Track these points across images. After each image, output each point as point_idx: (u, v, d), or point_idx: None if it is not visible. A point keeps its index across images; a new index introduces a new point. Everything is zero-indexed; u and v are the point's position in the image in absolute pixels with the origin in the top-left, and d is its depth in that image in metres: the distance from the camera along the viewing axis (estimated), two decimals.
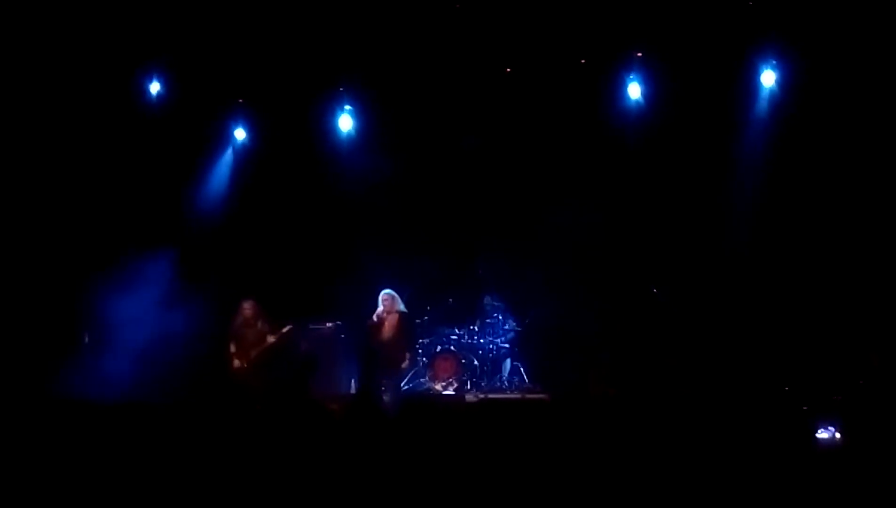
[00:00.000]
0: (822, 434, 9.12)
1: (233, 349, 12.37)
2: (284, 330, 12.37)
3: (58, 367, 12.35)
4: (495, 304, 14.10)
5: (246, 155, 14.45)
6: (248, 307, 12.39)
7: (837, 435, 9.04)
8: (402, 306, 12.50)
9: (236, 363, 12.30)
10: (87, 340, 12.86)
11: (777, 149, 12.66)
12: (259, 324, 12.36)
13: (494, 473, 5.89)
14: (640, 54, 12.98)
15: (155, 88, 13.67)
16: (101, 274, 12.89)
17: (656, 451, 5.69)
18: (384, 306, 12.41)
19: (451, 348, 13.84)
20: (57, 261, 13.21)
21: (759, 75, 12.73)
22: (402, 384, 12.89)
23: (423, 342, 13.94)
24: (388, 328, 12.38)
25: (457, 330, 14.05)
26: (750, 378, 11.84)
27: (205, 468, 6.18)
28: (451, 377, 13.58)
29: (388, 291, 12.48)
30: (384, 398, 11.47)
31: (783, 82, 12.66)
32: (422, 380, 13.72)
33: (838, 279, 12.38)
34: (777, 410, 8.15)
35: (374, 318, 12.39)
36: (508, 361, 13.94)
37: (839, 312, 12.18)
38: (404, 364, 12.57)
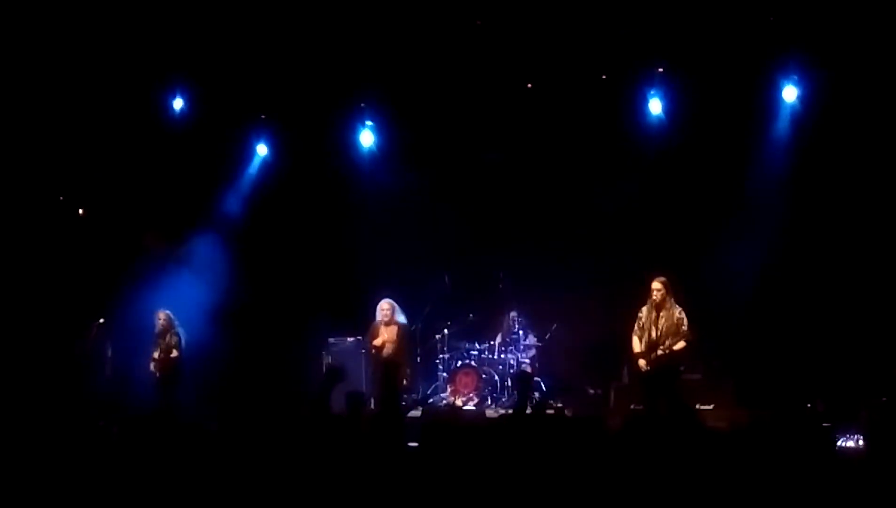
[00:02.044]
0: (845, 443, 9.09)
1: (154, 355, 12.41)
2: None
3: (80, 380, 12.49)
4: (518, 319, 14.08)
5: (268, 170, 14.50)
6: (162, 318, 12.38)
7: (860, 443, 9.00)
8: (402, 317, 12.16)
9: (154, 363, 12.38)
10: (109, 353, 12.95)
11: (799, 165, 12.63)
12: (168, 336, 12.36)
13: (515, 488, 5.89)
14: (661, 70, 12.97)
15: (178, 104, 13.77)
16: (124, 286, 13.01)
17: (678, 465, 5.68)
18: (382, 314, 12.04)
19: (472, 363, 13.84)
20: (79, 275, 13.32)
21: (781, 91, 12.70)
22: (401, 402, 12.41)
23: (443, 358, 13.95)
24: (387, 341, 12.01)
25: (477, 345, 14.05)
26: (773, 390, 11.80)
27: (227, 478, 6.21)
28: (471, 392, 13.57)
29: (387, 300, 12.13)
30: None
31: (805, 98, 12.62)
32: (442, 395, 13.73)
33: (861, 293, 12.31)
34: (799, 419, 8.14)
35: (373, 327, 12.12)
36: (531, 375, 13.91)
37: (862, 325, 12.11)
38: (404, 382, 12.25)
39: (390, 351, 11.96)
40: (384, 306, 12.04)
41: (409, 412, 11.77)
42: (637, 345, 11.20)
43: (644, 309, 11.19)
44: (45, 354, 12.76)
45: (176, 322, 12.38)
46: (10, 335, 12.66)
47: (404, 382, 12.20)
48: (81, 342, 12.80)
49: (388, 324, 12.03)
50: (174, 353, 12.31)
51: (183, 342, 12.34)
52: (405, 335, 12.18)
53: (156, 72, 13.16)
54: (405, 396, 12.50)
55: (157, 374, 12.31)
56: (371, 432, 6.67)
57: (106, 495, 6.19)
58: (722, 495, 5.43)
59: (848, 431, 9.69)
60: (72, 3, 12.01)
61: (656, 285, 11.05)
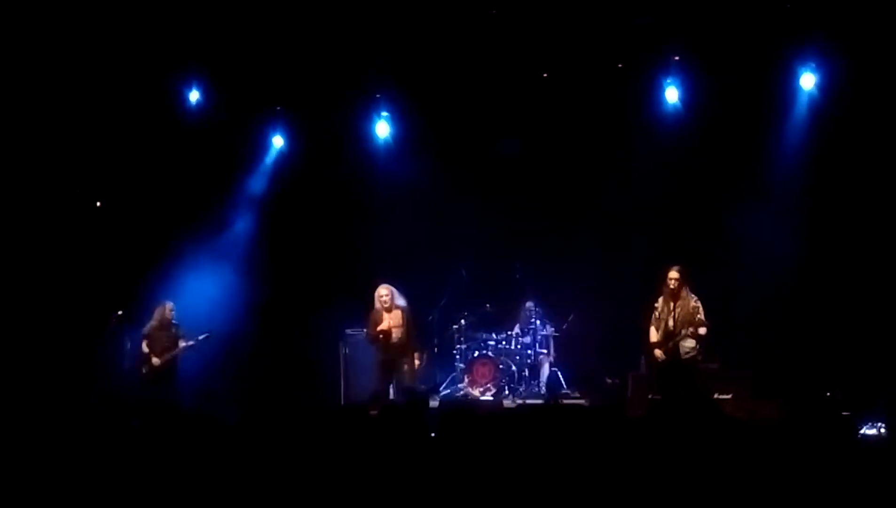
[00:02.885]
0: (868, 431, 9.05)
1: (146, 350, 12.34)
2: (201, 337, 12.41)
3: (98, 373, 12.54)
4: (535, 309, 14.08)
5: (284, 161, 14.52)
6: (169, 309, 12.36)
7: (882, 431, 8.96)
8: (402, 301, 11.90)
9: (150, 363, 12.27)
10: (128, 346, 12.99)
11: (817, 154, 12.56)
12: (173, 328, 12.37)
13: (532, 479, 5.88)
14: (677, 58, 12.91)
15: (194, 96, 13.79)
16: (142, 279, 13.06)
17: (697, 454, 5.66)
18: (382, 301, 11.81)
19: (489, 353, 13.85)
20: (96, 267, 13.38)
21: (799, 79, 12.62)
22: (415, 386, 12.03)
23: (460, 348, 13.97)
24: (393, 326, 11.81)
25: (494, 335, 14.05)
26: (791, 379, 11.76)
27: (245, 474, 6.22)
28: (488, 383, 13.60)
29: (385, 285, 11.90)
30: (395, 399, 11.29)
31: (823, 86, 12.53)
32: (459, 385, 13.74)
33: (880, 282, 12.25)
34: (819, 408, 8.09)
35: (374, 315, 11.90)
36: (547, 366, 13.93)
37: (882, 313, 12.06)
38: (418, 363, 11.99)
39: (399, 335, 11.79)
40: (382, 293, 11.81)
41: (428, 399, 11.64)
42: (654, 335, 11.23)
43: (660, 299, 11.21)
44: (62, 346, 12.80)
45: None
46: (27, 327, 12.71)
47: (418, 364, 11.97)
48: (99, 333, 12.84)
49: (389, 310, 11.80)
50: (185, 343, 12.32)
51: None
52: (411, 318, 11.96)
53: (172, 64, 13.17)
54: (420, 384, 12.47)
55: (161, 368, 12.27)
56: (390, 422, 6.68)
57: (123, 488, 6.20)
58: (742, 484, 5.41)
59: (869, 419, 9.66)
60: None
61: (672, 274, 11.09)
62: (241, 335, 13.33)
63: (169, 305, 12.39)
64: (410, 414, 6.78)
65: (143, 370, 12.29)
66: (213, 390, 12.69)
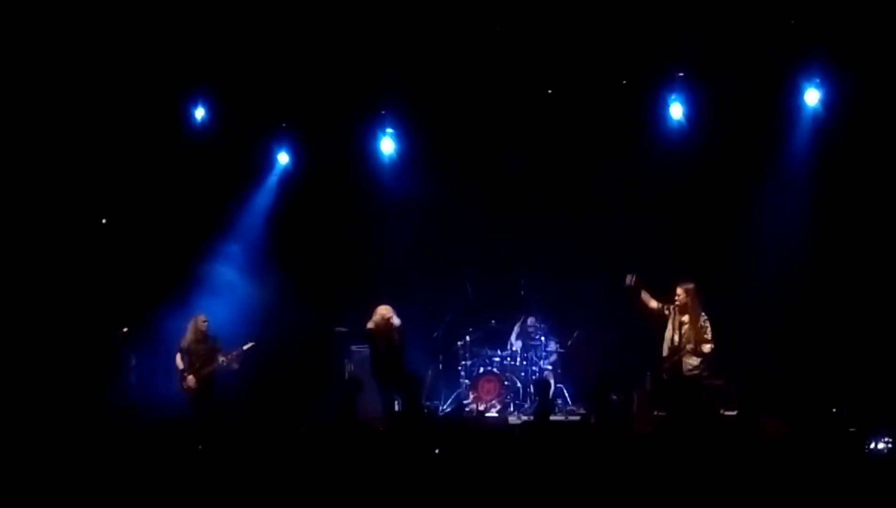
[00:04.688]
0: (876, 446, 9.02)
1: (181, 364, 12.19)
2: (246, 346, 12.33)
3: (104, 388, 12.53)
4: (538, 325, 14.07)
5: (289, 178, 14.54)
6: (202, 321, 12.23)
7: (890, 447, 8.93)
8: (397, 320, 11.89)
9: (189, 379, 12.10)
10: (133, 362, 13.00)
11: (822, 170, 12.55)
12: (210, 340, 12.26)
13: (537, 494, 5.88)
14: (681, 74, 12.94)
15: (200, 113, 13.83)
16: (147, 298, 13.08)
17: (703, 470, 5.66)
18: (383, 319, 11.80)
19: (494, 369, 13.83)
20: (101, 284, 13.40)
21: (803, 95, 12.63)
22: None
23: (465, 364, 13.95)
24: (386, 344, 11.83)
25: (499, 351, 14.04)
26: (798, 395, 11.73)
27: (251, 488, 6.22)
28: (493, 399, 13.57)
29: (385, 306, 11.88)
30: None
31: (827, 102, 12.54)
32: (465, 401, 13.72)
33: (886, 298, 12.23)
34: (827, 424, 8.08)
35: (374, 328, 11.86)
36: (551, 382, 13.89)
37: (888, 329, 12.03)
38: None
39: (393, 357, 11.82)
40: (385, 311, 11.81)
41: (433, 417, 11.62)
42: (664, 350, 11.26)
43: (671, 316, 11.22)
44: (67, 362, 12.80)
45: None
46: (33, 343, 12.72)
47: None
48: (105, 350, 12.84)
49: (388, 329, 11.80)
50: (224, 358, 12.18)
51: None
52: (403, 338, 11.93)
53: (178, 82, 13.22)
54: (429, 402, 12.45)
55: (199, 385, 12.10)
56: (396, 437, 6.68)
57: (129, 500, 6.21)
58: (750, 500, 5.40)
59: (877, 434, 9.62)
60: (95, 14, 12.06)
61: (679, 290, 11.10)
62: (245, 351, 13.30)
63: (201, 317, 12.27)
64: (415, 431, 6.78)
65: (183, 387, 12.14)
66: (219, 405, 12.64)
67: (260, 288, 13.83)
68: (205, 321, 12.24)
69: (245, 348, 12.32)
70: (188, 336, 12.23)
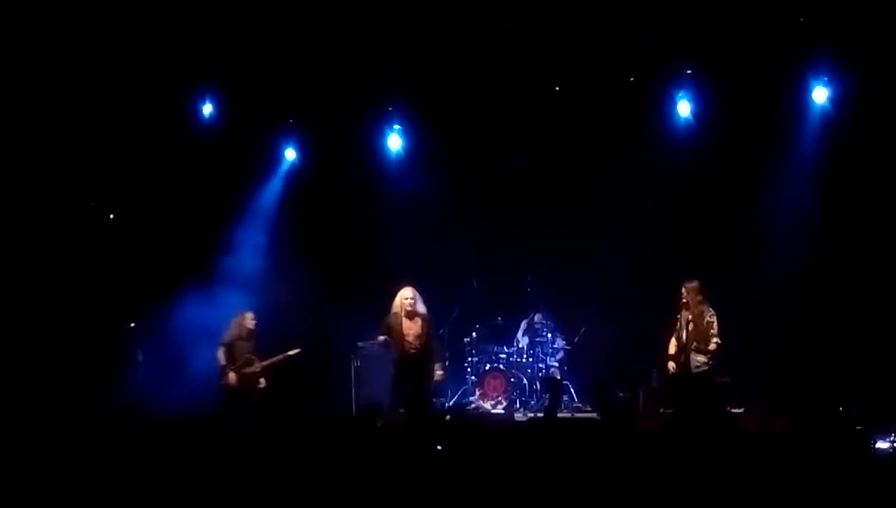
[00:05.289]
0: (881, 445, 9.00)
1: (223, 360, 12.00)
2: (292, 352, 12.24)
3: (111, 384, 12.56)
4: (545, 322, 14.07)
5: (296, 174, 14.55)
6: (249, 318, 12.10)
7: None
8: (423, 308, 11.12)
9: (231, 376, 11.94)
10: (140, 358, 13.01)
11: (830, 168, 12.51)
12: (253, 340, 12.14)
13: (543, 492, 5.87)
14: (689, 71, 12.91)
15: (207, 109, 13.85)
16: (154, 294, 13.08)
17: (709, 469, 5.65)
18: (405, 305, 10.98)
19: (500, 366, 13.83)
20: (108, 279, 13.42)
21: (811, 92, 12.59)
22: (431, 398, 11.53)
23: (471, 361, 13.95)
24: (412, 334, 11.02)
25: (506, 348, 14.04)
26: (804, 393, 11.71)
27: (255, 484, 6.23)
28: (499, 396, 13.58)
29: (410, 288, 11.11)
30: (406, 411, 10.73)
31: (835, 98, 12.50)
32: (471, 398, 13.72)
33: (892, 296, 12.20)
34: (833, 422, 8.06)
35: (392, 319, 11.06)
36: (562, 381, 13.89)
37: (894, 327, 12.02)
38: (437, 376, 11.17)
39: (419, 346, 11.03)
40: (407, 295, 10.99)
41: (443, 413, 11.37)
42: (671, 347, 11.25)
43: (680, 313, 11.23)
44: (74, 358, 12.83)
45: None
46: (39, 338, 12.75)
47: (436, 378, 11.21)
48: (111, 346, 12.85)
49: (411, 316, 11.04)
50: (262, 361, 12.03)
51: None
52: (430, 329, 11.21)
53: (185, 77, 13.23)
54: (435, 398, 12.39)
55: (240, 385, 11.95)
56: (401, 435, 6.68)
57: (135, 496, 6.22)
58: (755, 498, 5.40)
59: (883, 433, 9.60)
60: (102, 10, 12.08)
61: (687, 288, 11.09)
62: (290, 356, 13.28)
63: (249, 314, 12.14)
64: (419, 427, 6.78)
65: (221, 382, 11.99)
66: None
67: (263, 284, 13.81)
68: (253, 320, 12.12)
69: (291, 353, 12.23)
70: (233, 332, 12.10)
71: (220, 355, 12.03)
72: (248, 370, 12.03)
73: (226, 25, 12.40)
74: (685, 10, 11.89)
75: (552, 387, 10.89)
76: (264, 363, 12.11)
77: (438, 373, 11.19)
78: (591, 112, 13.42)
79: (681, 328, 11.17)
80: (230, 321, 12.16)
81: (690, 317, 11.08)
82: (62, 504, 6.24)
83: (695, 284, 11.14)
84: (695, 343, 11.00)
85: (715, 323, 10.97)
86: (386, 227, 14.13)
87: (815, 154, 12.67)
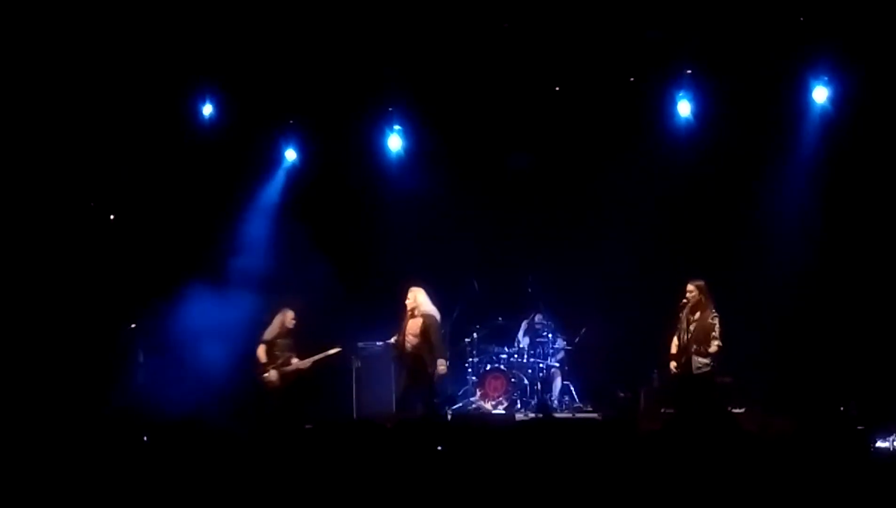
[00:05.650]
0: (882, 445, 9.01)
1: (264, 357, 12.09)
2: (332, 352, 12.27)
3: (111, 385, 12.56)
4: (545, 323, 14.07)
5: (297, 174, 14.55)
6: (290, 317, 12.16)
7: None
8: (428, 307, 11.41)
9: (272, 373, 12.03)
10: (141, 359, 13.01)
11: (830, 168, 12.52)
12: (292, 339, 12.20)
13: (544, 493, 5.87)
14: (689, 71, 12.91)
15: (207, 110, 13.85)
16: (155, 294, 13.09)
17: (709, 469, 5.65)
18: (408, 304, 11.38)
19: (501, 366, 13.83)
20: (109, 280, 13.42)
21: (811, 92, 12.59)
22: (433, 395, 11.62)
23: (472, 361, 13.95)
24: (409, 334, 11.36)
25: (506, 349, 14.04)
26: (804, 393, 11.72)
27: (258, 486, 6.23)
28: (500, 396, 13.57)
29: (413, 287, 11.47)
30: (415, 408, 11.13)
31: (835, 98, 12.50)
32: (472, 399, 13.72)
33: (892, 296, 12.21)
34: (833, 422, 8.06)
35: (401, 318, 11.50)
36: (559, 380, 13.90)
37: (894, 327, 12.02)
38: (439, 370, 11.31)
39: (414, 345, 11.29)
40: (408, 296, 11.39)
41: (443, 414, 11.47)
42: (673, 347, 11.25)
43: (682, 313, 11.22)
44: (74, 358, 12.83)
45: None
46: (39, 339, 12.75)
47: (438, 371, 11.32)
48: (112, 346, 12.85)
49: (412, 316, 11.39)
50: (301, 360, 12.13)
51: None
52: (429, 328, 11.32)
53: (185, 78, 13.23)
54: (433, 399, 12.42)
55: (282, 383, 12.00)
56: (401, 436, 6.67)
57: (133, 498, 6.22)
58: (756, 498, 5.40)
59: (883, 433, 9.61)
60: (102, 11, 12.08)
61: (689, 287, 11.10)
62: (253, 347, 13.30)
63: (290, 313, 12.20)
64: (422, 428, 6.77)
65: (262, 380, 12.07)
66: (224, 401, 12.65)
67: (263, 284, 13.81)
68: (293, 319, 12.16)
69: (331, 352, 12.25)
70: (274, 330, 12.15)
71: (261, 352, 12.13)
72: (288, 368, 12.11)
73: (226, 26, 12.41)
74: (685, 10, 11.89)
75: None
76: (305, 362, 12.18)
77: (440, 368, 11.33)
78: (591, 112, 13.42)
79: (682, 328, 11.16)
80: (271, 319, 12.23)
81: (693, 317, 11.07)
82: (62, 504, 6.24)
83: (701, 283, 11.13)
84: (695, 345, 11.00)
85: (717, 325, 10.97)
86: (386, 227, 14.12)
87: (815, 154, 12.68)
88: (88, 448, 6.89)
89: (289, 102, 13.72)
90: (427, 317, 11.35)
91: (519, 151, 14.00)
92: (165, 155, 13.73)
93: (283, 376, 12.06)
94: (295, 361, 12.15)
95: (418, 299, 11.41)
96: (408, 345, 11.38)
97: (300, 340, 12.52)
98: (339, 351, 12.30)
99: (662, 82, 13.09)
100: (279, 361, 12.07)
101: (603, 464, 5.97)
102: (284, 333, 12.15)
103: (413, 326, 11.36)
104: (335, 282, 13.97)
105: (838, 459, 5.73)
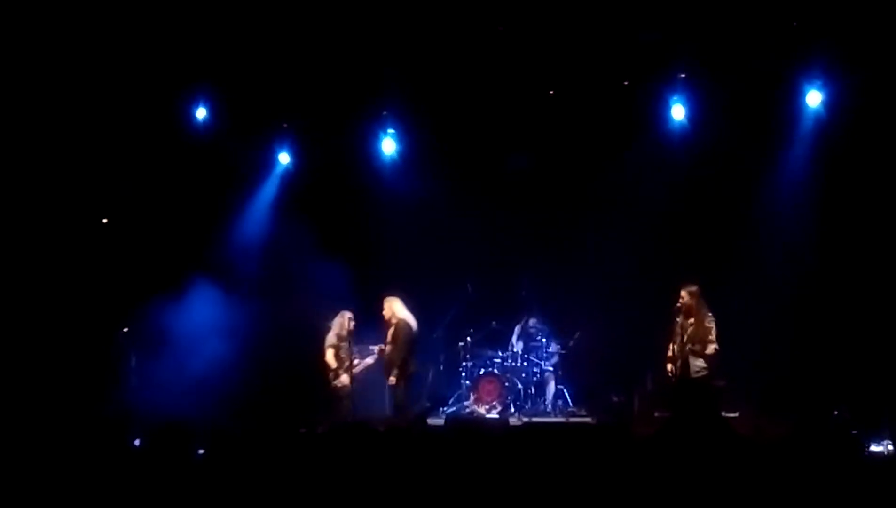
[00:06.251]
0: (875, 449, 9.01)
1: (334, 363, 12.15)
2: (377, 348, 12.32)
3: (104, 389, 12.52)
4: (539, 327, 14.06)
5: (290, 178, 14.53)
6: (349, 319, 12.16)
7: (890, 449, 8.93)
8: (402, 313, 11.98)
9: (344, 378, 12.06)
10: (134, 363, 12.98)
11: (824, 172, 12.53)
12: (351, 340, 12.21)
13: (538, 496, 5.87)
14: (683, 75, 12.92)
15: (201, 113, 13.83)
16: (147, 298, 13.05)
17: (704, 473, 5.65)
18: (384, 314, 12.05)
19: (495, 370, 13.82)
20: (102, 284, 13.38)
21: (805, 96, 12.60)
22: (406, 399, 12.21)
23: (466, 365, 13.94)
24: (387, 339, 12.07)
25: (500, 353, 14.03)
26: (798, 398, 11.72)
27: (252, 491, 6.21)
28: (494, 400, 13.56)
29: (387, 297, 12.09)
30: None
31: (829, 103, 12.52)
32: (466, 403, 13.71)
33: (886, 300, 12.21)
34: (826, 426, 8.07)
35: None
36: (552, 384, 13.89)
37: (888, 331, 12.01)
38: (393, 381, 11.99)
39: (388, 351, 11.97)
40: (384, 305, 12.03)
41: (421, 419, 11.62)
42: (670, 350, 11.28)
43: (679, 317, 11.25)
44: (67, 363, 12.79)
45: None
46: (32, 343, 12.71)
47: (393, 381, 11.93)
48: (105, 351, 12.82)
49: (388, 325, 11.99)
50: (361, 361, 12.25)
51: None
52: (399, 333, 11.92)
53: (179, 81, 13.21)
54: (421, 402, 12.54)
55: (353, 385, 12.02)
56: (393, 439, 6.67)
57: (127, 501, 6.21)
58: (751, 502, 5.40)
59: (877, 437, 9.61)
60: (94, 15, 12.06)
61: (683, 292, 11.12)
62: (245, 350, 13.27)
63: (348, 314, 12.20)
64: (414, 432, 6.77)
65: (334, 385, 12.12)
66: (218, 404, 12.61)
67: (257, 288, 13.80)
68: (351, 320, 12.17)
69: (378, 348, 12.28)
70: (340, 332, 12.18)
71: (330, 357, 12.19)
72: (357, 370, 12.19)
73: (220, 29, 12.39)
74: (679, 13, 11.90)
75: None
76: (365, 362, 12.33)
77: (390, 379, 12.02)
78: (585, 116, 13.42)
79: (679, 331, 11.18)
80: (332, 323, 12.26)
81: (690, 321, 11.09)
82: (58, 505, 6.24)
83: (694, 288, 11.16)
84: (690, 346, 11.01)
85: (713, 328, 10.98)
86: (380, 231, 14.11)
87: (809, 158, 12.70)
88: (82, 451, 6.88)
89: (283, 105, 13.71)
90: (399, 322, 11.93)
91: (513, 156, 13.99)
92: (158, 159, 13.69)
93: (353, 378, 12.11)
94: (366, 360, 12.33)
95: (393, 308, 11.99)
96: (385, 352, 12.01)
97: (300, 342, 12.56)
98: (382, 348, 12.27)
99: (657, 86, 13.10)
100: (347, 363, 12.11)
101: (597, 468, 5.96)
102: (346, 335, 12.17)
103: (389, 334, 11.96)
104: (330, 285, 13.97)
105: (832, 463, 5.73)
